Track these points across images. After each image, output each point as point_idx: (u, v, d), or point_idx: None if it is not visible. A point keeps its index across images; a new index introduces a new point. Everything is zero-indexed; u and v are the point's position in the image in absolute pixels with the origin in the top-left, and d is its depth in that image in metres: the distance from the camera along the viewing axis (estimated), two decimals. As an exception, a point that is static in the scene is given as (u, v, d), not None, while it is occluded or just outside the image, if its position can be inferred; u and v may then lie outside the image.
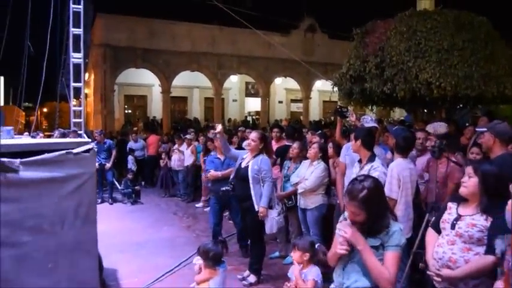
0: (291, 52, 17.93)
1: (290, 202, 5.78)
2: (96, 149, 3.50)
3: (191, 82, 23.18)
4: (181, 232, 7.75)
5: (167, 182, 11.44)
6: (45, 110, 30.80)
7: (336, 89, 10.86)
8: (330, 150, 5.79)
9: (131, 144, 12.43)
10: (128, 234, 7.35)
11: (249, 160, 5.01)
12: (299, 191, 5.45)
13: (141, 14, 20.03)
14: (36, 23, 10.24)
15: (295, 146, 5.99)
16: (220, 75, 22.41)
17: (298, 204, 5.58)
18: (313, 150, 5.53)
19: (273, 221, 4.93)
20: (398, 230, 2.39)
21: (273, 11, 18.67)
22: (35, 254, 3.08)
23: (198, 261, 3.76)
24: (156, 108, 22.60)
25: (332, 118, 20.60)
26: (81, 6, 9.17)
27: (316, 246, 3.15)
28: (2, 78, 20.27)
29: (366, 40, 9.87)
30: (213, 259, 3.67)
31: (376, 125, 5.46)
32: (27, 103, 18.19)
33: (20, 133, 8.43)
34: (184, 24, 21.01)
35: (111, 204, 10.15)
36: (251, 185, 4.87)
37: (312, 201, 5.38)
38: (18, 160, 2.85)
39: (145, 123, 19.94)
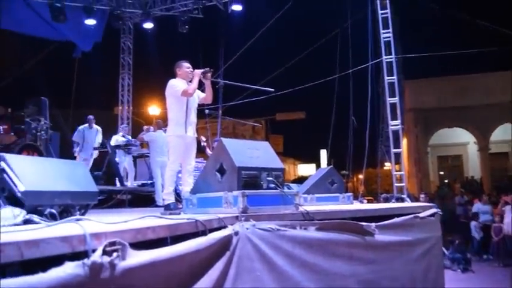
0: None
1: None
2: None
3: (513, 135, 20.73)
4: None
5: (502, 250, 10.20)
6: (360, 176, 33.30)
7: None
8: None
9: (479, 207, 11.70)
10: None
11: None
12: None
13: (448, 73, 19.63)
14: (356, 99, 11.39)
15: None
16: (549, 123, 19.25)
17: None
18: None
19: None
20: None
21: None
22: (387, 316, 3.21)
23: None
24: (473, 167, 21.07)
25: None
26: (394, 77, 9.85)
27: None
28: (325, 150, 23.20)
29: None
30: None
31: None
32: (343, 171, 20.10)
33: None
34: (497, 74, 19.35)
35: (438, 270, 9.71)
36: None
37: None
38: (373, 224, 3.11)
39: (462, 183, 18.80)
